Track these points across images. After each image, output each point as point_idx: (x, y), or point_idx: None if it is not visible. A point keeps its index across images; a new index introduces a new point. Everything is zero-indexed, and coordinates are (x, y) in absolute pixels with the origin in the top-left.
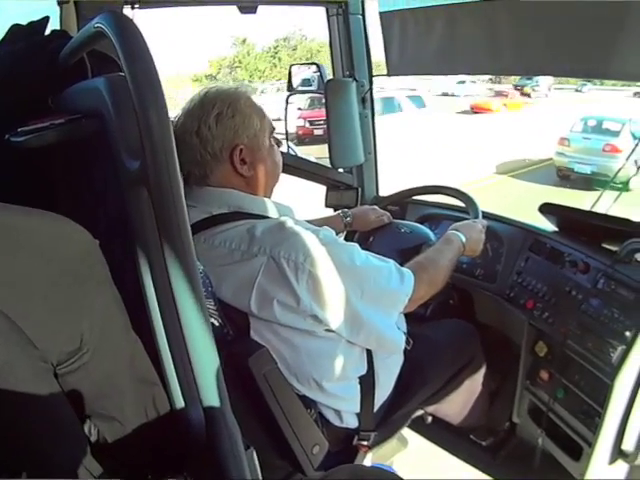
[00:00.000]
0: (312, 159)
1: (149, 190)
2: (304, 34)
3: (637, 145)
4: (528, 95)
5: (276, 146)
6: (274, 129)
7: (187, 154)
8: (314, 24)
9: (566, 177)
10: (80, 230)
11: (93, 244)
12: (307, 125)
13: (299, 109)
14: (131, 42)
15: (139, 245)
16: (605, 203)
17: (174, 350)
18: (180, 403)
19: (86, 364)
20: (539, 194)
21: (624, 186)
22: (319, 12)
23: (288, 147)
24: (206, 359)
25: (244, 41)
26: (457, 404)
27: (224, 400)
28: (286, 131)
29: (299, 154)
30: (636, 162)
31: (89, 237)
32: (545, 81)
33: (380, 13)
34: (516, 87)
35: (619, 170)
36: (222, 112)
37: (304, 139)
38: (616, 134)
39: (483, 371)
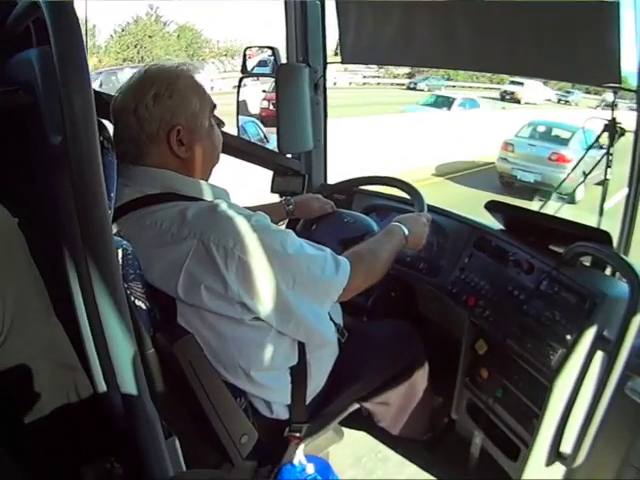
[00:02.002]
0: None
1: (69, 164)
2: (160, 15)
3: (584, 155)
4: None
5: (216, 127)
6: (215, 107)
7: (124, 132)
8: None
9: (509, 184)
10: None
11: (12, 227)
12: (271, 107)
13: (264, 91)
14: (59, 16)
15: (61, 225)
16: (550, 211)
17: (95, 335)
18: (102, 388)
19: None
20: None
21: (570, 196)
22: None
23: (238, 125)
24: (123, 345)
25: None
26: (394, 409)
27: (142, 386)
28: (237, 111)
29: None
30: (584, 173)
31: (8, 218)
32: None
33: (336, 0)
34: None
35: (564, 179)
36: (160, 92)
37: (267, 120)
38: (565, 142)
39: (423, 377)
